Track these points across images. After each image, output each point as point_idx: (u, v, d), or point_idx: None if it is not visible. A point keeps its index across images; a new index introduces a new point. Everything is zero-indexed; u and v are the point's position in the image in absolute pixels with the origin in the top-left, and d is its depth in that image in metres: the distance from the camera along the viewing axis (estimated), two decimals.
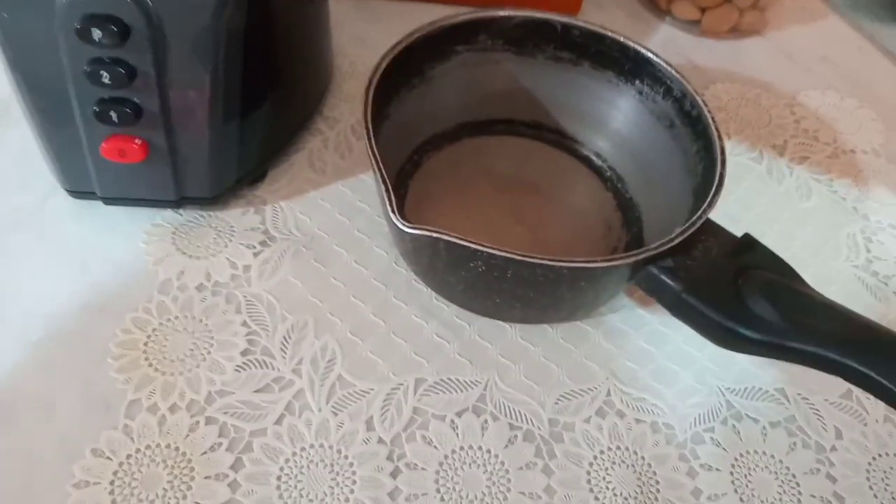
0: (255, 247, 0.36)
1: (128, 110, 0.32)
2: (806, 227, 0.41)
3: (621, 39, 0.37)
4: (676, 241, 0.29)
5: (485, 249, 0.28)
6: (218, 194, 0.37)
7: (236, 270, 0.35)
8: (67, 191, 0.36)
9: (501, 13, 0.38)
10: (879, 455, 0.32)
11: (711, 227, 0.31)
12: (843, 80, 0.49)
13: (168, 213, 0.37)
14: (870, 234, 0.41)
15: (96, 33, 0.29)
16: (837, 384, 0.33)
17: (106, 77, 0.31)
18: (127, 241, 0.36)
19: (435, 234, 0.28)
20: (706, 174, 0.33)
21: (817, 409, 0.33)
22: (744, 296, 0.28)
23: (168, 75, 0.31)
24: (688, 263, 0.30)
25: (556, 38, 0.39)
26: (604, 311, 0.36)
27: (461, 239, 0.28)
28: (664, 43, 0.50)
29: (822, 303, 0.28)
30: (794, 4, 0.54)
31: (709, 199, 0.31)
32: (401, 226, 0.28)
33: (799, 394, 0.34)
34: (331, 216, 0.38)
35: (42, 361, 0.32)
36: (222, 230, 0.37)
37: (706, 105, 0.34)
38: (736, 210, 0.41)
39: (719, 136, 0.33)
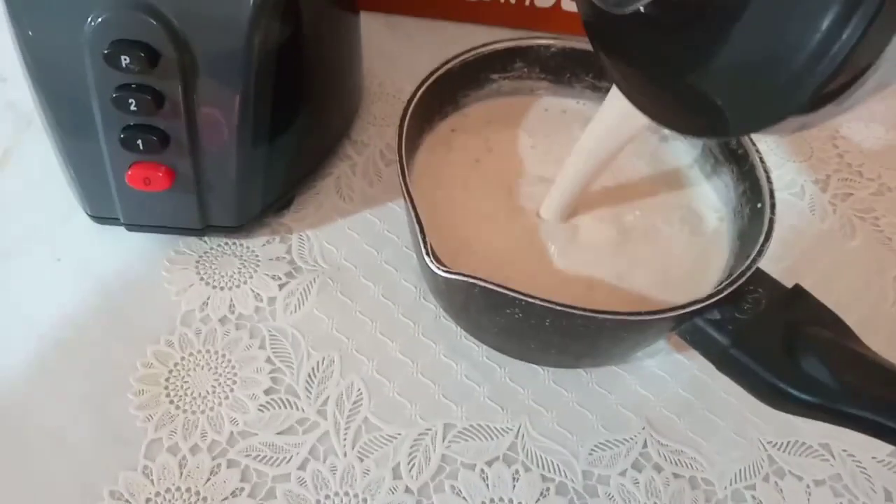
0: (280, 278, 0.35)
1: (154, 138, 0.31)
2: (850, 268, 0.39)
3: None
4: (725, 292, 0.28)
5: (523, 298, 0.27)
6: (244, 223, 0.35)
7: (261, 303, 0.34)
8: (90, 216, 0.35)
9: (540, 41, 0.36)
10: None
11: (760, 277, 0.29)
12: (889, 111, 0.47)
13: (192, 240, 0.36)
14: None
15: (125, 59, 0.28)
16: None
17: (133, 104, 0.30)
18: (149, 268, 0.35)
19: (471, 280, 0.27)
20: (753, 218, 0.32)
21: (864, 468, 0.32)
22: (795, 353, 0.27)
23: (196, 101, 0.30)
24: (736, 316, 0.28)
25: (594, 68, 0.37)
26: (640, 356, 0.34)
27: (498, 286, 0.27)
28: None
29: (879, 364, 0.27)
30: None
31: (758, 247, 0.29)
32: (435, 269, 0.27)
33: (844, 450, 0.32)
34: (358, 246, 0.37)
35: (59, 391, 0.31)
36: (247, 259, 0.36)
37: (755, 144, 0.33)
38: (778, 249, 0.39)
39: (769, 179, 0.32)
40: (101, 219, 0.35)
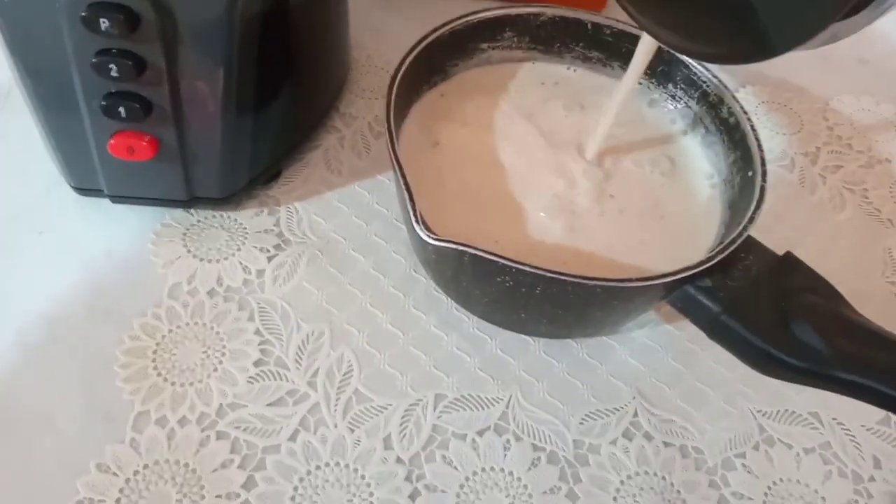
0: (268, 250, 0.35)
1: (136, 105, 0.30)
2: (840, 240, 0.39)
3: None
4: (716, 259, 0.28)
5: (513, 265, 0.27)
6: (230, 194, 0.35)
7: (249, 275, 0.34)
8: (73, 188, 0.34)
9: (530, 10, 0.36)
10: None
11: (751, 245, 0.29)
12: (880, 83, 0.47)
13: (178, 212, 0.36)
14: None
15: (104, 22, 0.27)
16: (874, 409, 0.32)
17: (114, 69, 0.29)
18: (135, 241, 0.35)
19: (461, 248, 0.27)
20: (744, 187, 0.32)
21: (853, 436, 0.32)
22: (787, 320, 0.27)
23: (179, 67, 0.30)
24: (727, 284, 0.28)
25: (586, 37, 0.37)
26: (630, 327, 0.34)
27: (488, 252, 0.27)
28: None
29: (870, 329, 0.27)
30: None
31: (749, 214, 0.29)
32: (425, 237, 0.27)
33: (834, 418, 0.32)
34: (347, 219, 0.36)
35: (43, 367, 0.31)
36: (235, 232, 0.35)
37: (746, 113, 0.33)
38: (768, 221, 0.39)
39: (760, 147, 0.31)
40: (84, 191, 0.34)
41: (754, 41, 0.23)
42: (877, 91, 0.47)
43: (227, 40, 0.30)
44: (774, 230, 0.39)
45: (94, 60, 0.28)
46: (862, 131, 0.44)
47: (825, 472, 0.31)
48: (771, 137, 0.43)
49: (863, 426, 0.32)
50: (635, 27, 0.35)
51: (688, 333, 0.34)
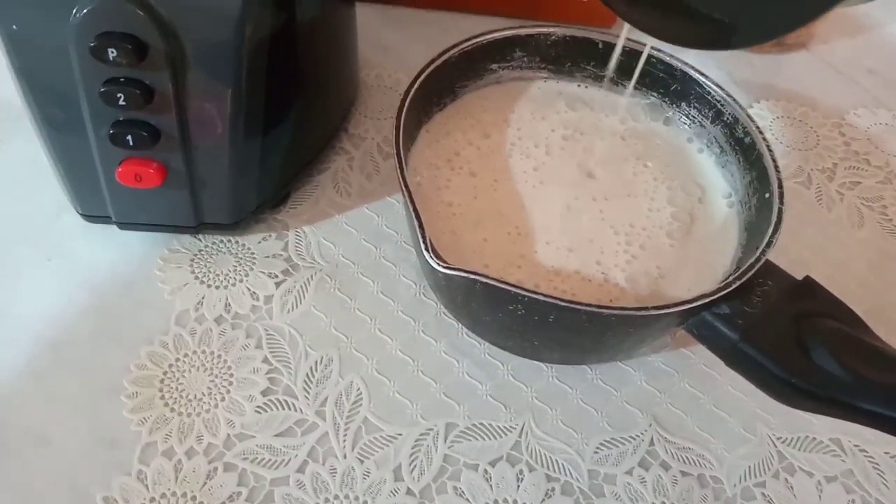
0: (276, 276, 0.34)
1: (144, 133, 0.30)
2: (858, 259, 0.38)
3: (667, 58, 0.35)
4: (734, 285, 0.27)
5: (526, 293, 0.26)
6: (239, 219, 0.35)
7: (257, 301, 0.33)
8: (81, 214, 0.34)
9: (540, 30, 0.35)
10: None
11: (770, 269, 0.28)
12: (891, 94, 0.46)
13: (186, 238, 0.35)
14: None
15: (111, 52, 0.27)
16: None
17: (122, 98, 0.29)
18: (142, 268, 0.34)
19: (471, 276, 0.26)
20: (761, 208, 0.31)
21: (877, 463, 0.31)
22: (807, 347, 0.26)
23: (187, 94, 0.29)
24: (745, 310, 0.27)
25: (597, 56, 0.36)
26: (646, 351, 0.33)
27: (500, 281, 0.26)
28: (703, 58, 0.47)
29: (892, 357, 0.26)
30: (840, 15, 0.51)
31: (767, 238, 0.29)
32: (434, 265, 0.26)
33: (856, 445, 0.32)
34: (356, 242, 0.36)
35: (50, 396, 0.30)
36: (243, 257, 0.35)
37: (762, 133, 0.32)
38: (784, 239, 0.38)
39: (776, 168, 0.31)
40: (92, 217, 0.34)
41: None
42: (890, 102, 0.46)
43: (235, 65, 0.29)
44: (791, 249, 0.38)
45: (101, 90, 0.28)
46: (879, 145, 0.44)
47: (848, 501, 0.30)
48: (787, 153, 0.43)
49: (886, 453, 0.31)
50: (644, 44, 0.35)
51: (704, 357, 0.33)
